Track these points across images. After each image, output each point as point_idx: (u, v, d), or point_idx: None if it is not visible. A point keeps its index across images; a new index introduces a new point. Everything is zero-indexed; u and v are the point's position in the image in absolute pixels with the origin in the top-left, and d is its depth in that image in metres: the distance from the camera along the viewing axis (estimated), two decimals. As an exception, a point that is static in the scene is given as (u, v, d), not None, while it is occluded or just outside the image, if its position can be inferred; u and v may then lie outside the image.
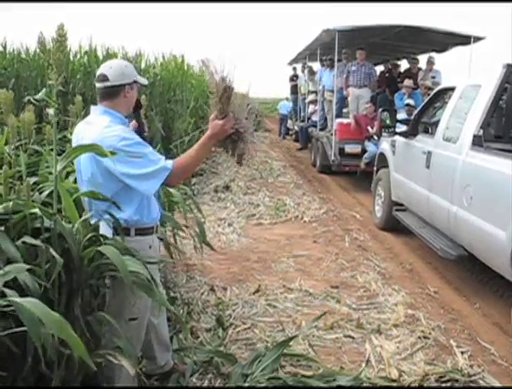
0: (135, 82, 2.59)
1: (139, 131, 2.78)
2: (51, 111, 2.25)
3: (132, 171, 2.35)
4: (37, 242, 2.12)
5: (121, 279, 2.32)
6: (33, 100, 2.93)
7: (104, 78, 2.51)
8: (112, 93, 2.52)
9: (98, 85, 2.55)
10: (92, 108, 2.61)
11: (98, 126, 2.46)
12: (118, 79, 2.51)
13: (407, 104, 8.81)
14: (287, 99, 21.67)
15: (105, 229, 2.41)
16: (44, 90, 2.26)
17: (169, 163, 2.39)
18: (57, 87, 2.15)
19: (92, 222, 2.41)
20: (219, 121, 2.42)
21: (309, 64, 15.23)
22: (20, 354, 2.03)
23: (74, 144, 2.59)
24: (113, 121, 2.48)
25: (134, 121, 2.82)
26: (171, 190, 3.80)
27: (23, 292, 1.95)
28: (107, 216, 2.37)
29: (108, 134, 2.39)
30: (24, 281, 1.93)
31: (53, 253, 2.06)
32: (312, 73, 14.66)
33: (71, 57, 7.17)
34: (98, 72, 2.56)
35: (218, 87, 2.39)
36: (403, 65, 12.14)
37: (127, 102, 2.57)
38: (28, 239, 2.12)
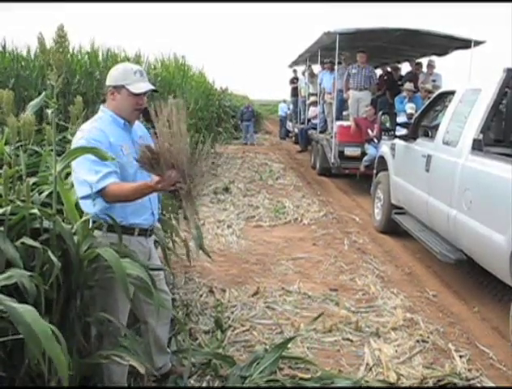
0: (123, 87, 2.55)
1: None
2: (50, 111, 2.26)
3: (77, 171, 2.42)
4: (36, 244, 2.11)
5: (98, 284, 2.34)
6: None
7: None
8: (106, 93, 2.64)
9: None
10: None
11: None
12: (108, 81, 2.61)
13: (410, 114, 8.77)
14: (284, 101, 21.83)
15: None
16: (43, 94, 2.27)
17: (105, 182, 2.35)
18: (57, 88, 2.15)
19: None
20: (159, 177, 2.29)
21: (311, 66, 15.22)
22: (18, 355, 2.03)
23: None
24: (100, 118, 2.58)
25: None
26: None
27: (20, 293, 1.95)
28: (89, 211, 2.41)
29: (80, 129, 2.54)
30: (22, 283, 1.92)
31: (51, 256, 2.06)
32: (312, 75, 14.67)
33: (72, 58, 7.16)
34: None
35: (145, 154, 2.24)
36: (404, 68, 12.15)
37: (117, 104, 2.57)
38: (27, 240, 2.12)
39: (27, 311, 1.71)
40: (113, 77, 2.58)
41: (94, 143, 2.39)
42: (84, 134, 2.46)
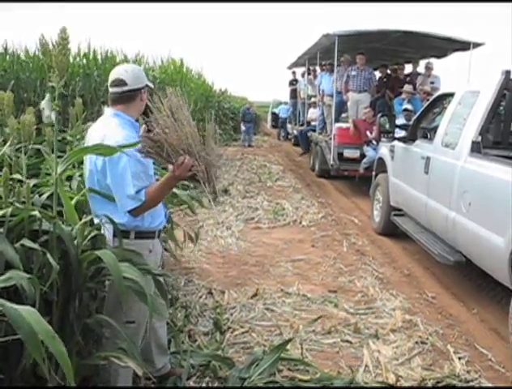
0: (147, 85, 2.60)
1: None
2: (52, 114, 2.26)
3: (113, 185, 2.39)
4: (35, 246, 2.11)
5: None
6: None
7: (122, 82, 2.52)
8: (129, 97, 2.52)
9: (115, 90, 2.54)
10: (105, 109, 2.63)
11: (103, 128, 2.51)
12: (136, 83, 2.53)
13: (405, 109, 8.83)
14: (286, 103, 22.10)
15: (106, 233, 2.44)
16: (47, 96, 2.25)
17: (142, 194, 2.38)
18: (58, 90, 2.15)
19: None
20: (173, 166, 2.34)
21: (313, 68, 15.19)
22: (16, 355, 2.03)
23: (86, 144, 2.63)
24: (122, 124, 2.49)
25: (144, 126, 2.79)
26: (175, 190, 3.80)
27: (19, 295, 1.95)
28: (107, 220, 2.39)
29: (109, 137, 2.41)
30: (21, 284, 1.92)
31: (50, 259, 2.05)
32: (315, 76, 14.67)
33: (71, 60, 7.17)
34: (113, 77, 2.55)
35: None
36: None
37: (141, 106, 2.57)
38: (27, 242, 2.12)
39: (29, 313, 1.71)
40: (141, 78, 2.58)
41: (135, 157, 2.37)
42: (122, 141, 2.35)
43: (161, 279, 2.58)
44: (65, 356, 1.69)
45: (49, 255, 2.08)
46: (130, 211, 2.40)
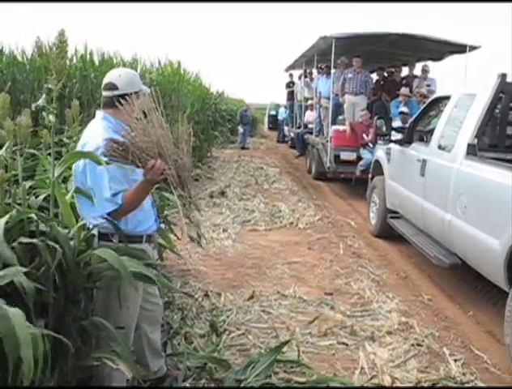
0: (140, 90, 2.58)
1: None
2: (51, 117, 2.26)
3: (92, 187, 2.38)
4: (34, 241, 2.10)
5: (108, 288, 2.35)
6: (34, 107, 2.91)
7: (113, 86, 2.53)
8: (119, 102, 2.48)
9: (106, 93, 2.56)
10: (97, 112, 2.63)
11: (89, 130, 2.56)
12: (128, 88, 2.52)
13: (402, 112, 8.86)
14: (285, 107, 22.31)
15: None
16: (43, 96, 2.25)
17: (119, 198, 2.37)
18: (56, 93, 2.16)
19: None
20: (144, 168, 2.30)
21: (310, 70, 15.23)
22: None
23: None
24: (110, 127, 2.49)
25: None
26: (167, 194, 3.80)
27: (18, 295, 1.95)
28: (94, 222, 2.39)
29: (91, 139, 2.44)
30: (21, 283, 1.91)
31: (50, 242, 2.05)
32: (312, 79, 14.71)
33: (67, 61, 7.15)
34: (106, 80, 2.57)
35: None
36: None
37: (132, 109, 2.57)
38: (25, 239, 2.11)
39: (15, 314, 1.69)
40: (134, 83, 2.58)
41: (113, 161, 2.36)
42: (101, 145, 2.37)
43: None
44: (30, 366, 1.66)
45: (48, 241, 2.07)
46: (109, 214, 2.40)
